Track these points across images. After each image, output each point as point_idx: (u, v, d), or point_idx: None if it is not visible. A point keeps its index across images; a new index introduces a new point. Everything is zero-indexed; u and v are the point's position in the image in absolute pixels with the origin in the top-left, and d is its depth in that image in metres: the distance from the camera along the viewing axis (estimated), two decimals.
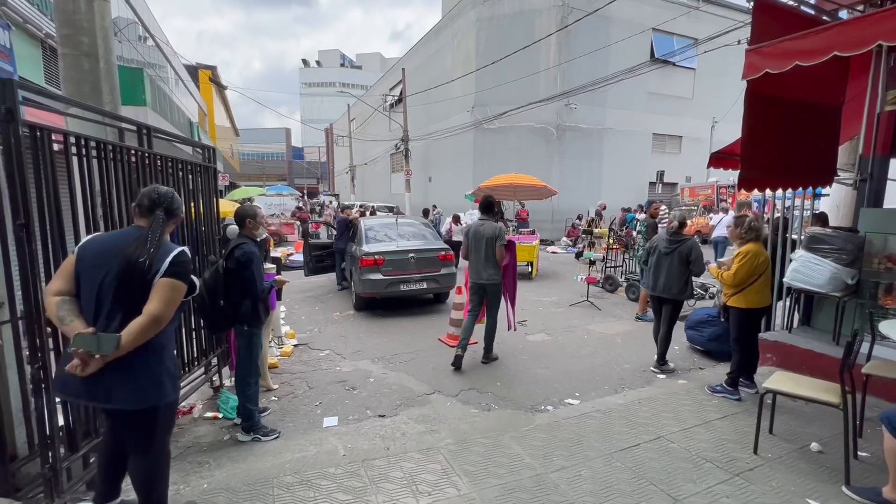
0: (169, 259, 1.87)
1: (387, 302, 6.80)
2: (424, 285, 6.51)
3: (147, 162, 2.97)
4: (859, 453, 2.82)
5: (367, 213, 13.03)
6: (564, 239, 15.48)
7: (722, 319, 4.16)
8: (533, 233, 11.02)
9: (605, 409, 3.53)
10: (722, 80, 18.10)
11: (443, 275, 6.60)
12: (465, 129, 17.65)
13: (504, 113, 16.14)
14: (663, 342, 4.39)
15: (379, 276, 6.23)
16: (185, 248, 1.97)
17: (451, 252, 6.94)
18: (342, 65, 79.17)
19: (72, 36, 2.90)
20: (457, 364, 4.39)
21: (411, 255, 6.40)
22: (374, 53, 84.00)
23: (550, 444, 2.99)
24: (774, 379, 2.92)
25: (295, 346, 5.19)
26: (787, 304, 4.52)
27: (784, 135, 3.67)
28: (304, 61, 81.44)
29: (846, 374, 2.55)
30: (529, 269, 9.55)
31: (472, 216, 13.15)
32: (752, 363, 3.86)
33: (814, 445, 2.92)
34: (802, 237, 4.18)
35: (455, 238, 9.73)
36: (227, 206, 5.70)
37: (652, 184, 18.25)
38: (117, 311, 1.82)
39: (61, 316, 1.80)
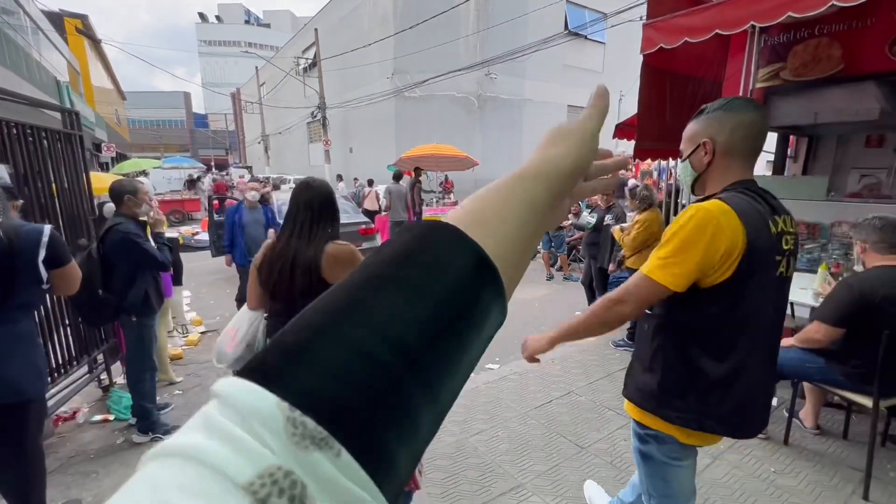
0: (45, 240, 1.75)
1: None
2: None
3: None
4: None
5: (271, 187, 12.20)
6: None
7: (623, 276, 4.57)
8: (455, 204, 11.07)
9: (521, 370, 3.72)
10: (628, 54, 19.00)
11: (364, 249, 6.41)
12: (386, 97, 17.01)
13: (425, 81, 15.77)
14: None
15: None
16: (50, 226, 1.84)
17: (373, 226, 6.76)
18: (247, 21, 71.63)
19: None
20: None
21: None
22: (283, 11, 76.90)
23: (470, 409, 3.09)
24: None
25: (203, 333, 4.78)
26: None
27: (675, 107, 3.97)
28: (202, 15, 72.30)
29: None
30: None
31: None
32: None
33: None
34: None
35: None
36: (103, 182, 4.96)
37: None
38: None
39: None
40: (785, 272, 1.20)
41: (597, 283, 4.77)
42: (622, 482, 2.34)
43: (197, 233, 10.68)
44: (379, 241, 6.66)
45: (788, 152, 5.54)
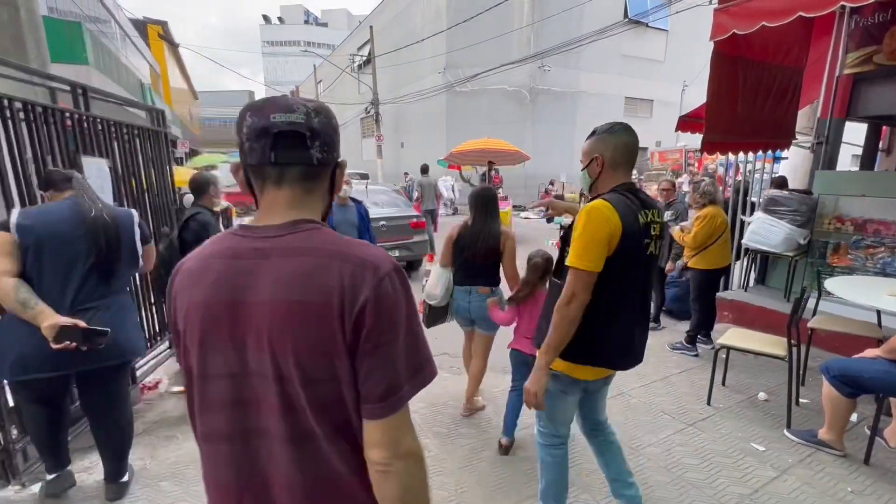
0: (136, 221, 2.11)
1: None
2: (396, 253, 6.46)
3: (86, 126, 2.74)
4: (801, 400, 3.05)
5: None
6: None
7: (682, 279, 4.34)
8: (505, 199, 10.93)
9: None
10: (693, 42, 17.96)
11: (415, 242, 6.56)
12: (437, 91, 17.14)
13: (476, 75, 15.70)
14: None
15: None
16: (135, 210, 2.23)
17: (423, 220, 6.88)
18: (306, 21, 74.57)
19: None
20: None
21: (382, 223, 6.30)
22: (340, 10, 79.26)
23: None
24: (728, 335, 3.08)
25: None
26: (745, 264, 4.73)
27: (747, 98, 3.71)
28: (266, 17, 76.20)
29: (793, 329, 2.71)
30: None
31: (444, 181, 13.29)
32: (709, 321, 4.05)
33: (761, 395, 3.13)
34: (761, 200, 4.32)
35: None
36: (184, 175, 5.41)
37: None
38: (91, 282, 1.92)
39: (23, 299, 1.75)
40: (655, 251, 1.61)
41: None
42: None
43: None
44: (428, 234, 6.83)
45: (880, 145, 5.00)
